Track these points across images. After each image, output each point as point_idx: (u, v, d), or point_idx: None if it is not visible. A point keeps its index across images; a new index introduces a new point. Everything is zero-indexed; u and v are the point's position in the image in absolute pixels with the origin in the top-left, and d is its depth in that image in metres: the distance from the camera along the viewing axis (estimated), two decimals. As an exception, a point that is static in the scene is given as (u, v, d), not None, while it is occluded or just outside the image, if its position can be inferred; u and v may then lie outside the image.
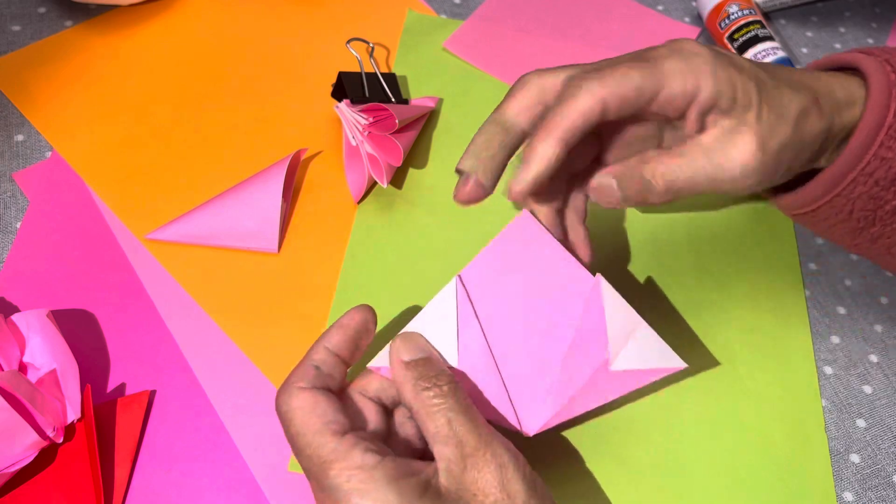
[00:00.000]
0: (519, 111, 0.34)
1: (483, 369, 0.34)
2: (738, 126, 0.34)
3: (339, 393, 0.32)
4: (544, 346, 0.34)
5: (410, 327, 0.34)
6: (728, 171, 0.34)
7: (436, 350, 0.33)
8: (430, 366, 0.32)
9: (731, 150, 0.34)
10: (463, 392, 0.31)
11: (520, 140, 0.35)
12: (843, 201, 0.37)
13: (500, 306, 0.34)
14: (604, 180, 0.34)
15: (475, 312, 0.34)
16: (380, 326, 0.42)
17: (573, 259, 0.35)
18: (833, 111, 0.36)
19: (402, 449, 0.34)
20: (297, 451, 0.30)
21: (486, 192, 0.34)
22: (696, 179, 0.34)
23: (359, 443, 0.29)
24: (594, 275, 0.35)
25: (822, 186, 0.37)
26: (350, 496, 0.28)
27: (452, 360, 0.33)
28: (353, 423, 0.31)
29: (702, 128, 0.35)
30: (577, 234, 0.38)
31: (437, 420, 0.30)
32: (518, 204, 0.39)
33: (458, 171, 0.34)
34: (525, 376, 0.34)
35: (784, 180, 0.37)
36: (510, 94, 0.35)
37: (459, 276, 0.34)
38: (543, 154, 0.32)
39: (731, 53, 0.35)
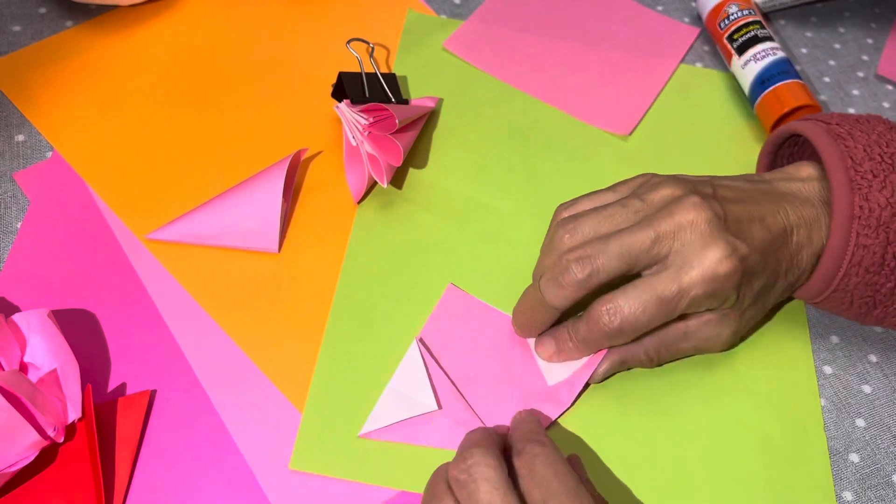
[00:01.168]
0: (563, 300, 0.37)
1: (460, 407, 0.39)
2: (722, 319, 0.39)
3: None
4: (499, 377, 0.40)
5: (390, 387, 0.39)
6: (697, 351, 0.41)
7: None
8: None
9: (709, 341, 0.40)
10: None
11: (556, 316, 0.39)
12: (841, 295, 0.40)
13: (456, 355, 0.41)
14: (612, 366, 0.40)
15: (438, 364, 0.40)
16: (380, 326, 0.42)
17: (495, 309, 0.43)
18: (803, 233, 0.39)
19: None
20: None
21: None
22: (675, 357, 0.41)
23: None
24: None
25: (818, 286, 0.40)
26: None
27: (433, 406, 0.38)
28: None
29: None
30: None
31: None
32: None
33: (513, 324, 0.42)
34: (492, 404, 0.39)
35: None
36: (554, 271, 0.37)
37: (419, 339, 0.40)
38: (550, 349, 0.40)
39: (754, 251, 0.37)
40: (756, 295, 0.39)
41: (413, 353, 0.40)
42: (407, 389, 0.39)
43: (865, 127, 0.40)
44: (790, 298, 0.44)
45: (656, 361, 0.40)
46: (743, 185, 0.40)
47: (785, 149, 0.46)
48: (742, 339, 0.43)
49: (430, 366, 0.40)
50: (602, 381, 0.41)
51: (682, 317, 0.38)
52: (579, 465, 0.36)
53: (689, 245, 0.36)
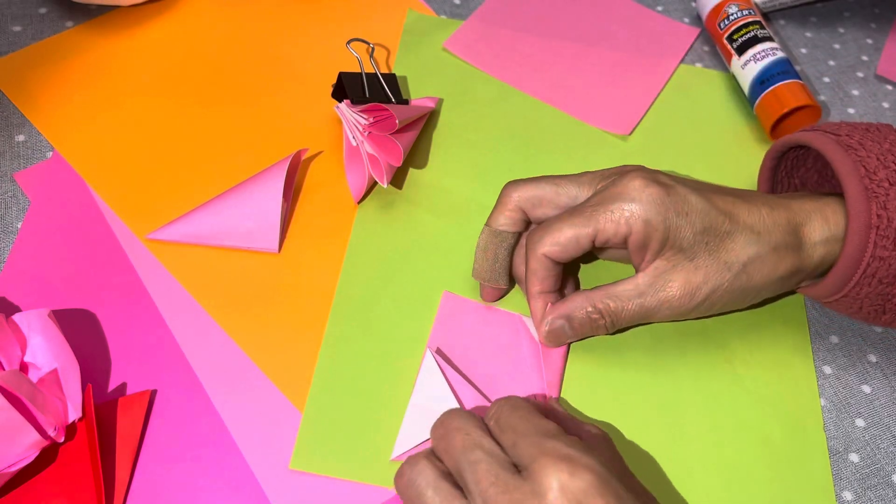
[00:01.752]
0: (504, 222, 0.41)
1: (485, 408, 0.38)
2: (669, 270, 0.38)
3: None
4: (512, 373, 0.41)
5: (413, 403, 0.38)
6: (658, 311, 0.39)
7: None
8: None
9: (660, 293, 0.38)
10: None
11: (514, 240, 0.41)
12: (850, 301, 0.40)
13: (469, 358, 0.41)
14: (556, 323, 0.39)
15: (457, 369, 0.40)
16: (380, 326, 0.42)
17: (497, 308, 0.43)
18: (808, 249, 0.39)
19: None
20: None
21: (505, 290, 0.43)
22: (634, 317, 0.39)
23: None
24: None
25: (826, 290, 0.40)
26: None
27: None
28: None
29: (642, 262, 0.39)
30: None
31: None
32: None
33: (475, 278, 0.42)
34: None
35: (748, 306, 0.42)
36: (496, 206, 0.41)
37: (431, 349, 0.40)
38: (537, 309, 0.40)
39: (690, 192, 0.38)
40: (699, 235, 0.37)
41: (429, 363, 0.39)
42: (430, 402, 0.38)
43: (876, 136, 0.39)
44: (792, 292, 0.44)
45: (608, 321, 0.39)
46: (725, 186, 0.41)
47: (786, 160, 0.45)
48: (706, 313, 0.40)
49: (447, 373, 0.39)
50: (555, 346, 0.41)
51: (632, 273, 0.40)
52: (552, 408, 0.38)
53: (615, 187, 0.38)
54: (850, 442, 0.41)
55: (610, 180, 0.39)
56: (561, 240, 0.38)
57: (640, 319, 0.39)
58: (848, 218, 0.37)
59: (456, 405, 0.38)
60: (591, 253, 0.43)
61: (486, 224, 0.41)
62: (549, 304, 0.40)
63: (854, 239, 0.37)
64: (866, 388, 0.43)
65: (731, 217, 0.38)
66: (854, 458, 0.40)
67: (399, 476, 0.32)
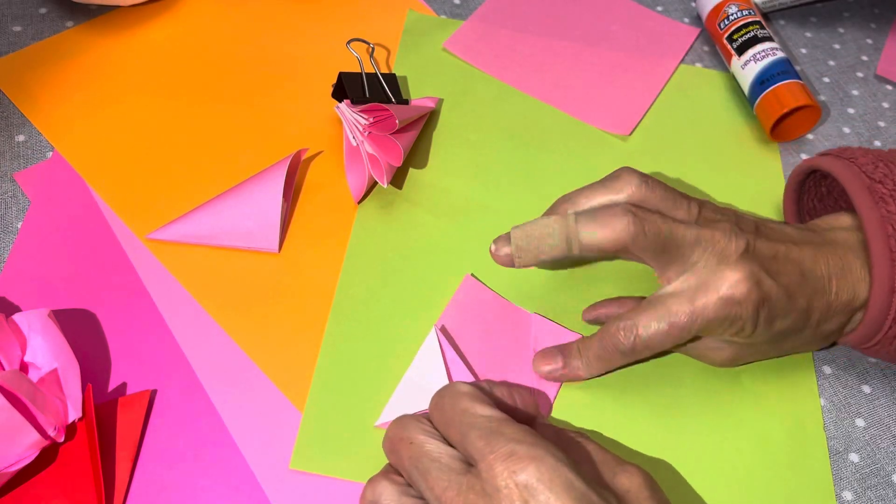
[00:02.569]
0: (590, 246, 0.36)
1: None
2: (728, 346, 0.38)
3: None
4: (512, 370, 0.41)
5: (407, 377, 0.39)
6: (697, 358, 0.40)
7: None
8: None
9: (712, 356, 0.39)
10: None
11: (567, 255, 0.37)
12: (872, 351, 0.40)
13: (473, 346, 0.41)
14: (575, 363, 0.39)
15: (459, 352, 0.40)
16: (380, 326, 0.42)
17: (510, 303, 0.43)
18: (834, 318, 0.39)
19: None
20: None
21: (514, 266, 0.39)
22: (658, 345, 0.37)
23: None
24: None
25: (855, 341, 0.40)
26: None
27: None
28: None
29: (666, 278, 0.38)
30: None
31: None
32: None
33: (511, 238, 0.38)
34: None
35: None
36: (600, 215, 0.36)
37: (438, 328, 0.40)
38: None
39: (779, 287, 0.36)
40: (776, 334, 0.38)
41: (431, 342, 0.40)
42: (424, 378, 0.39)
43: None
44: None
45: (632, 341, 0.38)
46: (787, 229, 0.39)
47: (813, 177, 0.44)
48: (743, 364, 0.42)
49: (447, 355, 0.40)
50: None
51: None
52: (506, 389, 0.36)
53: (710, 268, 0.36)
54: (850, 442, 0.41)
55: (715, 258, 0.36)
56: (659, 340, 0.37)
57: (665, 345, 0.38)
58: (871, 279, 0.37)
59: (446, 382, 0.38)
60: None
61: (576, 214, 0.37)
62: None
63: (877, 303, 0.37)
64: (866, 388, 0.43)
65: (804, 307, 0.37)
66: (854, 458, 0.40)
67: (362, 500, 0.32)
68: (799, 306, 0.37)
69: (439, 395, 0.33)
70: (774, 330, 0.37)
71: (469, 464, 0.30)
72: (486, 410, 0.31)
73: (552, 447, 0.29)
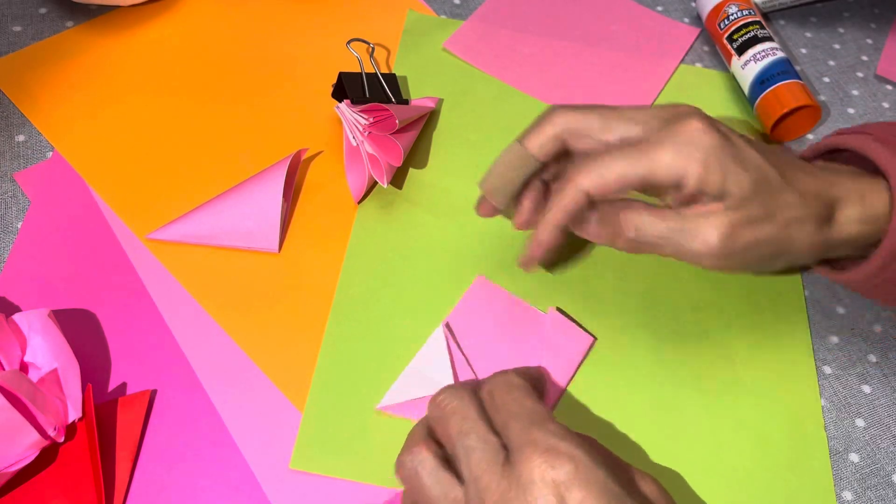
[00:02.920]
0: (539, 146, 0.38)
1: None
2: (719, 211, 0.36)
3: None
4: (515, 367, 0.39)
5: (412, 366, 0.39)
6: (692, 246, 0.36)
7: None
8: None
9: (701, 228, 0.36)
10: None
11: (537, 168, 0.38)
12: (882, 287, 0.39)
13: (479, 344, 0.41)
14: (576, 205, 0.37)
15: (461, 350, 0.41)
16: (380, 326, 0.42)
17: (523, 302, 0.43)
18: (838, 225, 0.37)
19: None
20: None
21: (499, 211, 0.40)
22: (661, 242, 0.36)
23: None
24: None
25: (859, 278, 0.39)
26: None
27: None
28: None
29: (690, 202, 0.36)
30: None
31: None
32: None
33: (481, 188, 0.39)
34: None
35: (773, 272, 0.40)
36: (536, 126, 0.38)
37: (445, 324, 0.41)
38: (543, 240, 0.38)
39: (745, 144, 0.36)
40: (753, 185, 0.36)
41: (438, 335, 0.40)
42: (428, 370, 0.39)
43: None
44: (800, 271, 0.43)
45: (633, 240, 0.37)
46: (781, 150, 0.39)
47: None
48: (737, 265, 0.37)
49: (453, 350, 0.40)
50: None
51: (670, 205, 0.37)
52: (540, 382, 0.37)
53: (662, 121, 0.37)
54: (850, 442, 0.41)
55: (663, 120, 0.37)
56: (607, 176, 0.35)
57: (665, 248, 0.37)
58: (892, 213, 0.37)
59: (451, 380, 0.39)
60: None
61: (519, 141, 0.38)
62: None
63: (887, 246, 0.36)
64: (866, 388, 0.43)
65: (783, 175, 0.36)
66: (854, 458, 0.40)
67: (400, 466, 0.32)
68: (782, 177, 0.36)
69: (492, 383, 0.33)
70: (746, 185, 0.35)
71: (508, 454, 0.30)
72: (533, 404, 0.32)
73: (590, 448, 0.30)
